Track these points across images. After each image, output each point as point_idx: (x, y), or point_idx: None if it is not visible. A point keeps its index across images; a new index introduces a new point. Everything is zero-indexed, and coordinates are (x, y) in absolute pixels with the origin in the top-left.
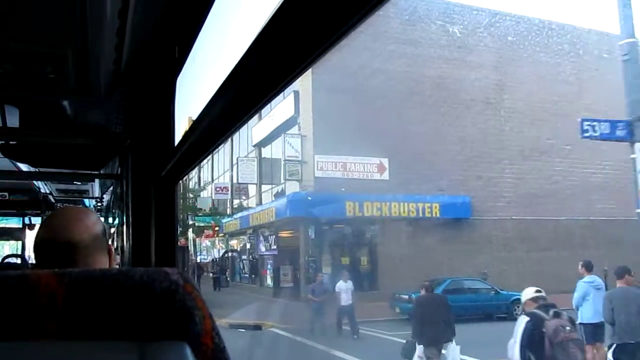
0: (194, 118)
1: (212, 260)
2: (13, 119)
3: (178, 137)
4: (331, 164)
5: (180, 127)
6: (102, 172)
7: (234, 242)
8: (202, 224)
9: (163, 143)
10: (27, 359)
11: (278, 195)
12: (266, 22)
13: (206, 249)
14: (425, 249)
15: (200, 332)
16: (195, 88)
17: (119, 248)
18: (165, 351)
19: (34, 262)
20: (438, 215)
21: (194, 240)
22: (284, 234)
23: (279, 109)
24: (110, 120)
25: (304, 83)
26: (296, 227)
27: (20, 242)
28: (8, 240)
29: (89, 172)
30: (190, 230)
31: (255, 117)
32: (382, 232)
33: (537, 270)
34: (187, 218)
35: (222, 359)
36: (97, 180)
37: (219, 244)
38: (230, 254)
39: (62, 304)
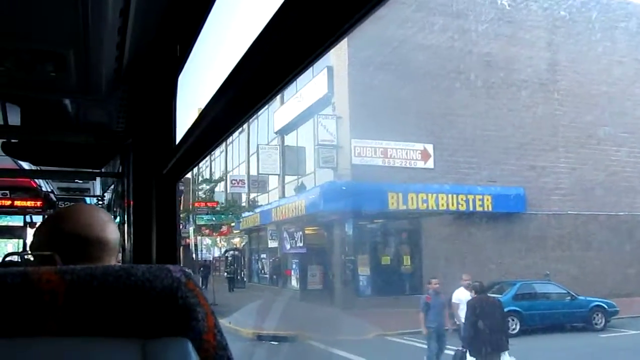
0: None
1: (226, 258)
2: (14, 117)
3: (179, 136)
4: (370, 150)
5: (185, 123)
6: (103, 170)
7: (236, 241)
8: (206, 222)
9: (164, 141)
10: (28, 355)
11: (299, 189)
12: (267, 21)
13: (206, 247)
14: (475, 247)
15: (203, 329)
16: (197, 87)
17: (120, 246)
18: (168, 348)
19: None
20: (490, 208)
21: (195, 239)
22: (312, 229)
23: (309, 88)
24: (112, 119)
25: (339, 57)
26: (330, 222)
27: (21, 241)
28: (10, 238)
29: (91, 170)
30: (192, 228)
31: (277, 100)
32: (427, 228)
33: (595, 271)
34: (194, 217)
35: (224, 356)
36: (98, 179)
37: (220, 242)
38: (232, 252)
39: (63, 300)
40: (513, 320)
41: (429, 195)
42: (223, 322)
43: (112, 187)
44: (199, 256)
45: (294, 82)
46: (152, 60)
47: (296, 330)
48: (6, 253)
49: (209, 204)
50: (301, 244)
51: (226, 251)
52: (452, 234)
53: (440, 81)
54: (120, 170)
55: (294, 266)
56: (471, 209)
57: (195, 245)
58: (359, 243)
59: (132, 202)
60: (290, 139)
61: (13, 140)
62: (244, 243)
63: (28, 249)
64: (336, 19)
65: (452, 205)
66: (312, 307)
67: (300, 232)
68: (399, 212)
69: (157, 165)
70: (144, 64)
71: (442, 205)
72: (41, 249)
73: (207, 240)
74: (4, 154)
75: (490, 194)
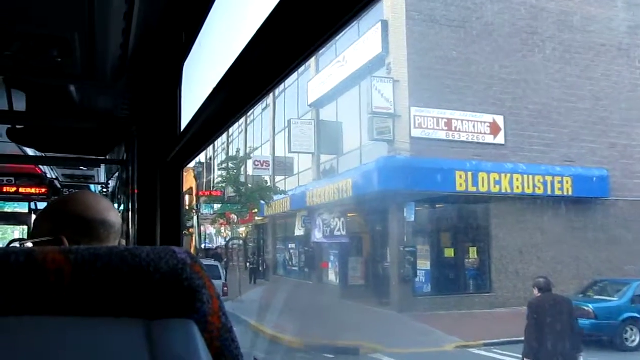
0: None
1: (245, 248)
2: (20, 103)
3: (184, 123)
4: (432, 121)
5: (191, 111)
6: (108, 157)
7: (241, 230)
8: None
9: (169, 129)
10: (33, 334)
11: (327, 173)
12: (272, 9)
13: (209, 237)
14: (553, 237)
15: (208, 311)
16: (202, 74)
17: (124, 234)
18: (172, 329)
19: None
20: (570, 192)
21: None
22: (357, 215)
23: (356, 48)
24: (117, 106)
25: (394, 9)
26: (383, 206)
27: (26, 227)
28: (15, 225)
29: (95, 157)
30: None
31: (312, 69)
32: (498, 214)
33: None
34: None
35: (229, 339)
36: (102, 166)
37: (225, 231)
38: (236, 241)
39: (69, 280)
40: (632, 329)
41: (503, 176)
42: (257, 326)
43: (117, 174)
44: (201, 245)
45: (334, 45)
46: (158, 47)
47: (353, 339)
48: (10, 239)
49: (213, 192)
50: (342, 232)
51: (229, 240)
52: (526, 222)
53: (510, 42)
54: (125, 158)
55: (332, 258)
56: (549, 192)
57: (199, 234)
58: (418, 231)
59: (136, 190)
60: (326, 114)
61: (18, 126)
62: (248, 232)
63: (30, 236)
64: (340, 7)
65: (528, 187)
66: (360, 308)
67: (342, 219)
68: (467, 194)
69: (161, 153)
70: (150, 50)
71: (517, 187)
72: (46, 235)
73: (211, 230)
74: (9, 140)
75: (570, 175)
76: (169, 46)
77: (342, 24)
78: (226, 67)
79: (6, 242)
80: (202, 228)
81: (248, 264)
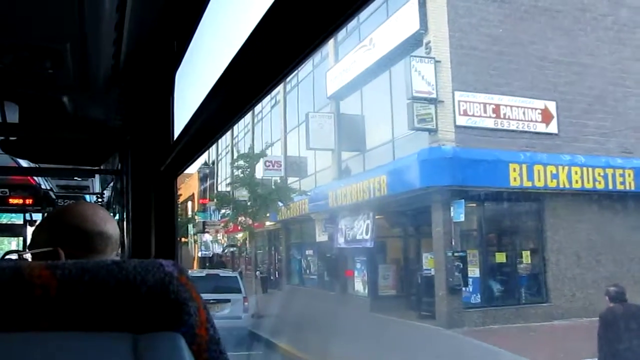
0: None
1: (254, 255)
2: (13, 115)
3: (177, 132)
4: (478, 107)
5: (184, 119)
6: (102, 167)
7: (239, 236)
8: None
9: (162, 138)
10: (19, 349)
11: (348, 171)
12: (263, 14)
13: (204, 244)
14: (614, 237)
15: (195, 323)
16: (195, 82)
17: (120, 243)
18: (159, 342)
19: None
20: (632, 187)
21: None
22: (388, 217)
23: (387, 28)
24: (110, 116)
25: None
26: (425, 205)
27: (21, 239)
28: (9, 236)
29: (89, 167)
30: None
31: (330, 58)
32: (553, 213)
33: None
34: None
35: (217, 351)
36: (97, 176)
37: (223, 238)
38: (233, 248)
39: (55, 295)
40: None
41: (560, 169)
42: (288, 349)
43: (112, 184)
44: (197, 253)
45: (357, 29)
46: (150, 57)
47: None
48: (5, 251)
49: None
50: (370, 237)
51: (225, 247)
52: (584, 221)
53: (561, 20)
54: (119, 167)
55: (357, 265)
56: (610, 187)
57: (195, 241)
58: (466, 234)
59: (130, 199)
60: (346, 106)
61: (11, 138)
62: (245, 238)
63: (27, 248)
64: (331, 12)
65: (588, 182)
66: (399, 323)
67: (371, 221)
68: (521, 190)
69: (155, 162)
70: (141, 60)
71: (576, 182)
72: (43, 246)
73: (206, 237)
74: (2, 152)
75: (631, 167)
76: (160, 55)
77: (335, 28)
78: (218, 75)
79: (2, 254)
80: (205, 236)
81: (257, 272)
